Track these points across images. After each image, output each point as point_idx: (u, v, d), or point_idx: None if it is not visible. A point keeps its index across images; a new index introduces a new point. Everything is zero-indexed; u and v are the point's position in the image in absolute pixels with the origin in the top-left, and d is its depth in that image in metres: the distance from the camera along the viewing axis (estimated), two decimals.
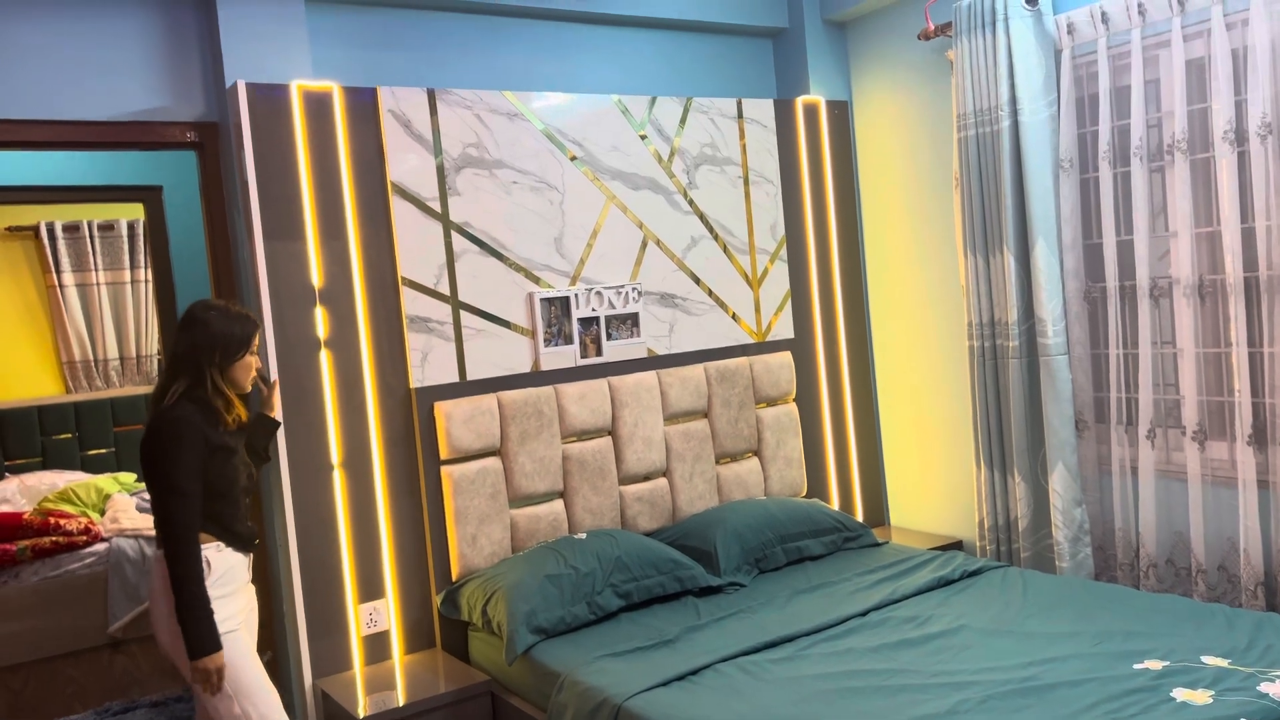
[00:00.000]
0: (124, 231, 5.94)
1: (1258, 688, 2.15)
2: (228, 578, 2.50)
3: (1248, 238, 2.93)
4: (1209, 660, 2.32)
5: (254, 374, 2.59)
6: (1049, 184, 3.32)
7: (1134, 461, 3.26)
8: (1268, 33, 2.79)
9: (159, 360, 6.07)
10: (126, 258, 5.97)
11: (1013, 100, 3.35)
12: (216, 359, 2.49)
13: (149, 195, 4.34)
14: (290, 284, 3.01)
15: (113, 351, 6.01)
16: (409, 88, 3.21)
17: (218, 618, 2.43)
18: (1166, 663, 2.33)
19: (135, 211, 5.73)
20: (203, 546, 2.44)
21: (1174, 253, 3.09)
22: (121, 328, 6.02)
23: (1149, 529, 3.19)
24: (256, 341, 2.59)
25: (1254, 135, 2.84)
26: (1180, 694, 2.17)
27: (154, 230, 4.28)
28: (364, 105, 3.12)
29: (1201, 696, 2.15)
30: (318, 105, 3.05)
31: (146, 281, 5.94)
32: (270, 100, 2.98)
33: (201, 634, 2.37)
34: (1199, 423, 3.06)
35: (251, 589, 2.66)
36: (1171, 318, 3.15)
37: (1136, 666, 2.33)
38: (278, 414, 2.91)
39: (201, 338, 2.49)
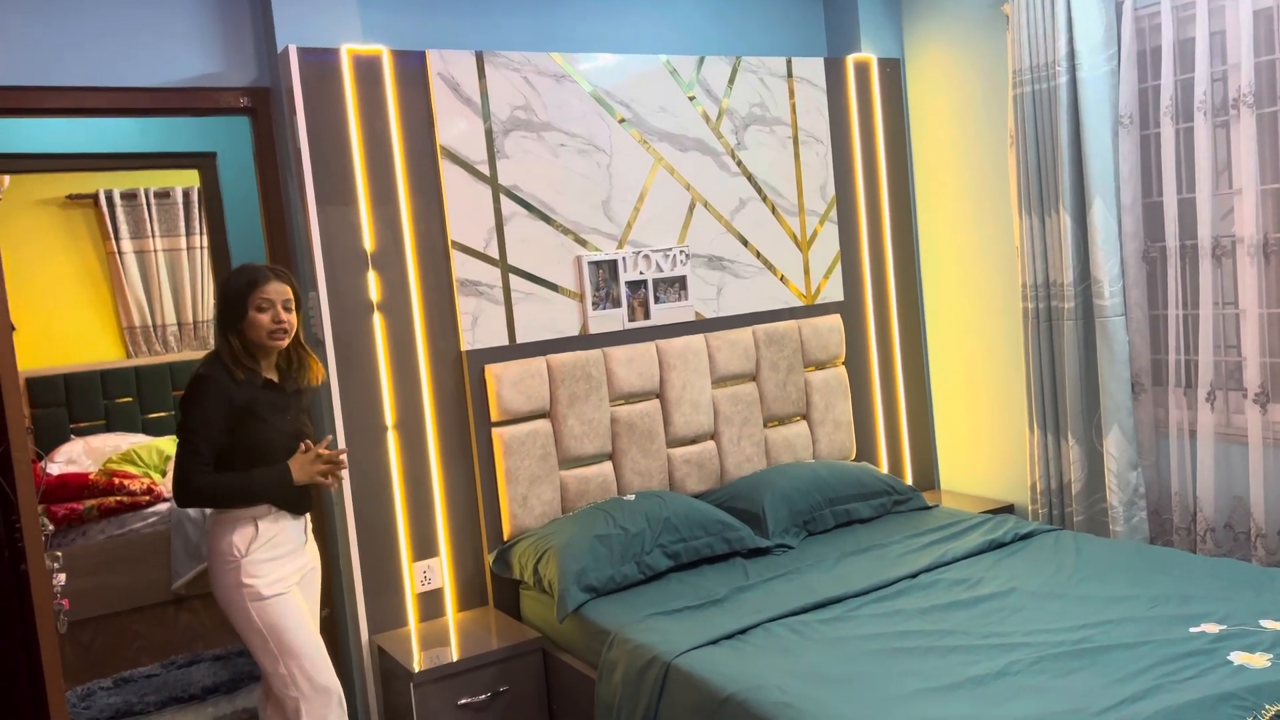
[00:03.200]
0: (179, 199, 6.05)
1: None
2: (278, 540, 2.54)
3: None
4: (1268, 624, 2.29)
5: (270, 328, 2.50)
6: (1107, 141, 3.24)
7: (1192, 424, 3.20)
8: None
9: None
10: (182, 224, 6.10)
11: (1071, 55, 3.26)
12: (227, 318, 2.52)
13: (204, 162, 4.41)
14: (343, 249, 3.05)
15: (170, 317, 6.15)
16: (457, 50, 3.21)
17: (268, 579, 2.49)
18: (1224, 626, 2.30)
19: (190, 179, 5.84)
20: (253, 512, 2.50)
21: (1238, 210, 3.00)
22: (178, 293, 6.16)
23: (1207, 493, 3.13)
24: (264, 294, 2.49)
25: None
26: (1237, 657, 2.14)
27: (209, 197, 4.35)
28: (413, 69, 3.13)
29: (1260, 660, 2.12)
30: (368, 69, 3.06)
31: (202, 248, 6.06)
32: (321, 64, 3.00)
33: (257, 489, 2.47)
34: (1261, 385, 2.99)
35: (312, 550, 2.71)
36: (1234, 278, 3.07)
37: (1193, 630, 2.31)
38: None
39: (219, 301, 2.57)
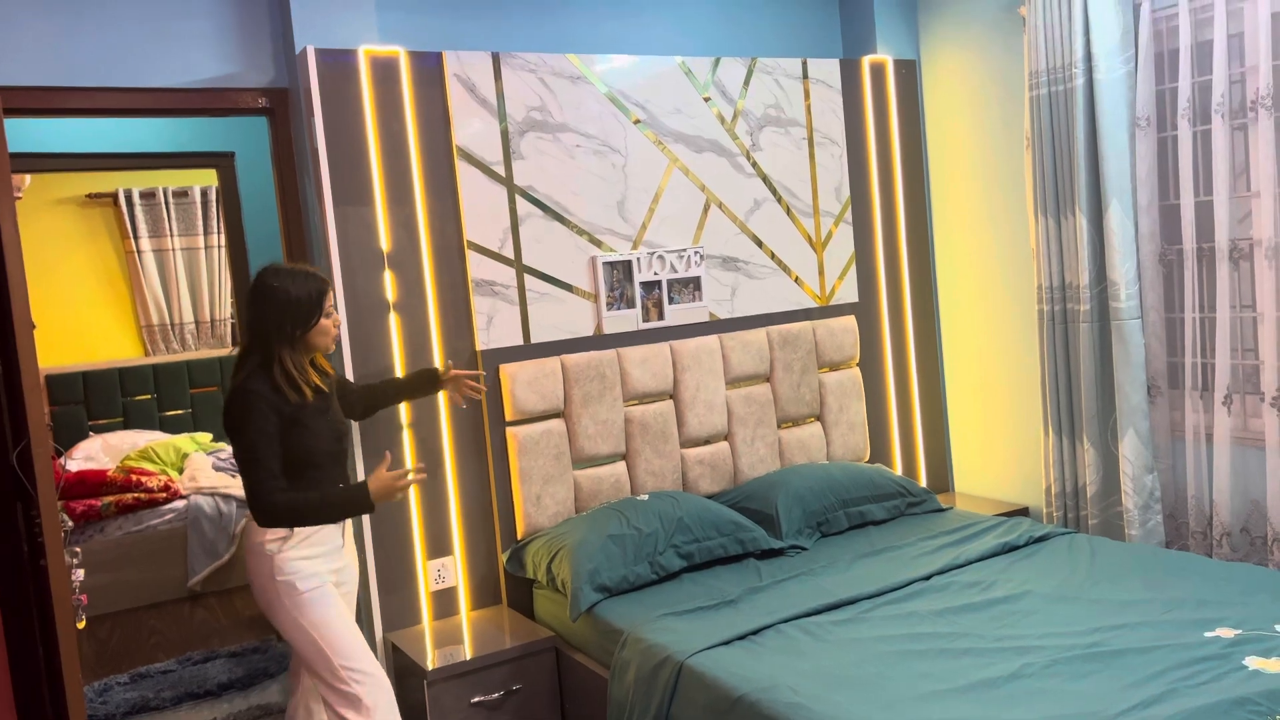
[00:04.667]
0: (198, 198, 6.10)
1: None
2: (317, 539, 2.48)
3: None
4: None
5: (335, 333, 2.54)
6: (1124, 143, 3.23)
7: (1209, 428, 3.18)
8: None
9: (233, 324, 6.25)
10: (200, 223, 6.14)
11: (1088, 57, 3.25)
12: (290, 330, 2.44)
13: (222, 161, 4.45)
14: (360, 248, 3.07)
15: (188, 315, 6.20)
16: (474, 52, 3.23)
17: (304, 574, 2.44)
18: (1239, 631, 2.29)
19: (209, 178, 5.88)
20: None
21: (1256, 213, 2.99)
22: (196, 292, 6.21)
23: (1223, 497, 3.12)
24: (330, 300, 2.51)
25: None
26: (1253, 662, 2.13)
27: (227, 196, 4.39)
28: (430, 70, 3.15)
29: (1275, 665, 2.11)
30: (385, 70, 3.08)
31: (220, 247, 6.11)
32: (339, 65, 3.02)
33: (346, 505, 2.44)
34: (1279, 389, 2.97)
35: (351, 552, 2.65)
36: (1252, 281, 3.06)
37: (1208, 635, 2.30)
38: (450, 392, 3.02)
39: (272, 312, 2.43)
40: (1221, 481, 3.12)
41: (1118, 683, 2.12)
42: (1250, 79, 2.97)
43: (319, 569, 2.49)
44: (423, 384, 3.01)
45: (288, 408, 2.43)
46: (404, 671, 3.00)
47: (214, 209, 6.07)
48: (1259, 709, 1.94)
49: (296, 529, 2.45)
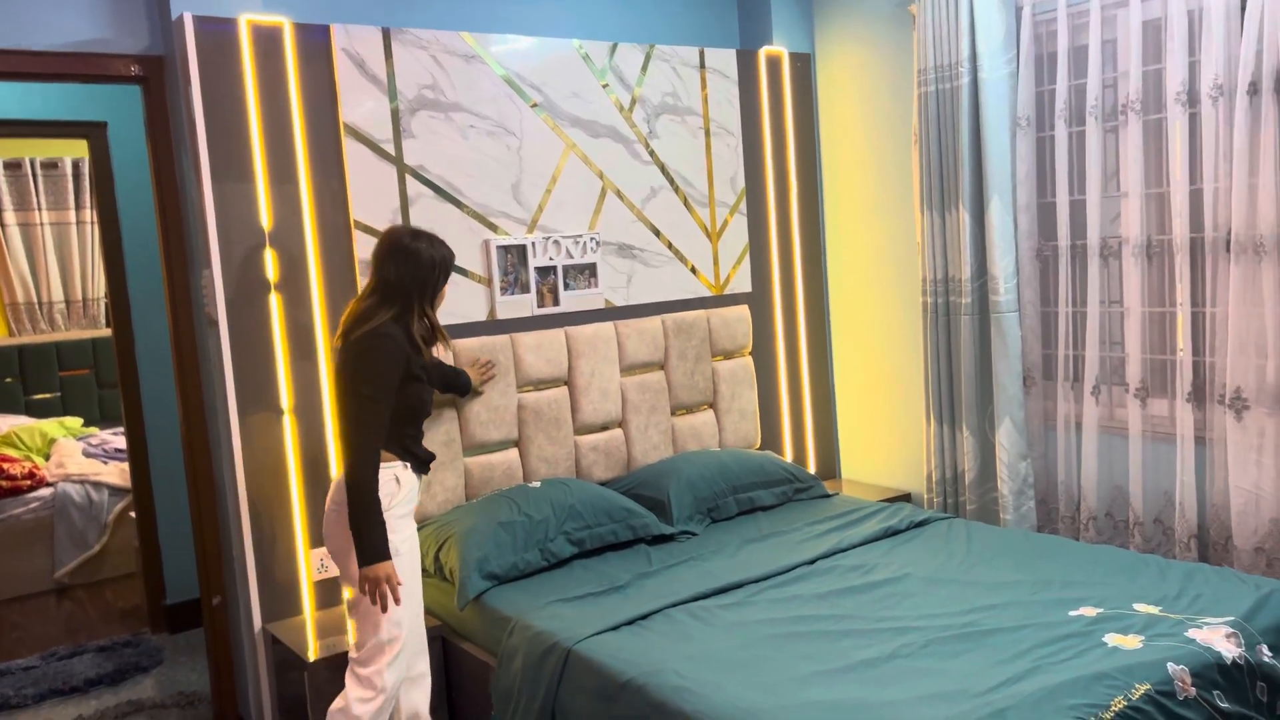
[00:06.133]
0: (68, 170, 5.78)
1: (1185, 633, 2.23)
2: (410, 497, 2.57)
3: (1195, 199, 2.98)
4: (1141, 608, 2.40)
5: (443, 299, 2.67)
6: (1006, 142, 3.34)
7: (1078, 417, 3.33)
8: None
9: (107, 304, 5.94)
10: (71, 198, 5.83)
11: (973, 57, 3.35)
12: (432, 289, 2.56)
13: (94, 132, 4.20)
14: (239, 226, 2.95)
15: (58, 294, 5.88)
16: (363, 26, 3.13)
17: (400, 535, 2.50)
18: (1101, 610, 2.41)
19: (80, 149, 5.57)
20: (392, 466, 2.51)
21: (1124, 213, 3.13)
22: (67, 270, 5.89)
23: (1090, 483, 3.27)
24: None
25: (1205, 97, 2.87)
26: (1112, 639, 2.24)
27: (99, 169, 4.15)
28: (316, 43, 3.04)
29: (1132, 641, 2.22)
30: (268, 41, 2.97)
31: (92, 223, 5.80)
32: (218, 34, 2.89)
33: (375, 541, 2.41)
34: (1142, 380, 3.13)
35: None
36: (1120, 277, 3.21)
37: (1072, 614, 2.40)
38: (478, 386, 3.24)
39: (416, 269, 2.52)
40: (1089, 468, 3.27)
41: (988, 660, 2.20)
42: (1122, 84, 3.11)
43: (412, 529, 2.58)
44: (460, 384, 3.18)
45: (415, 360, 2.53)
46: (284, 664, 2.91)
47: (85, 182, 5.75)
48: (1115, 683, 2.04)
49: (402, 485, 2.52)
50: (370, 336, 2.45)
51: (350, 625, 2.62)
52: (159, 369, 4.02)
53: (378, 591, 2.41)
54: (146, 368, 4.14)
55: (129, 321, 4.13)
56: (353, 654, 2.52)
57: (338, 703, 2.50)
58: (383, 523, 2.42)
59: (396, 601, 2.44)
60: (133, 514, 4.32)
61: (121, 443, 5.00)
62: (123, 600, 4.58)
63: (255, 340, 2.98)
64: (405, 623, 2.52)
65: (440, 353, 3.14)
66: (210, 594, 3.18)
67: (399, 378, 2.47)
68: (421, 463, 2.64)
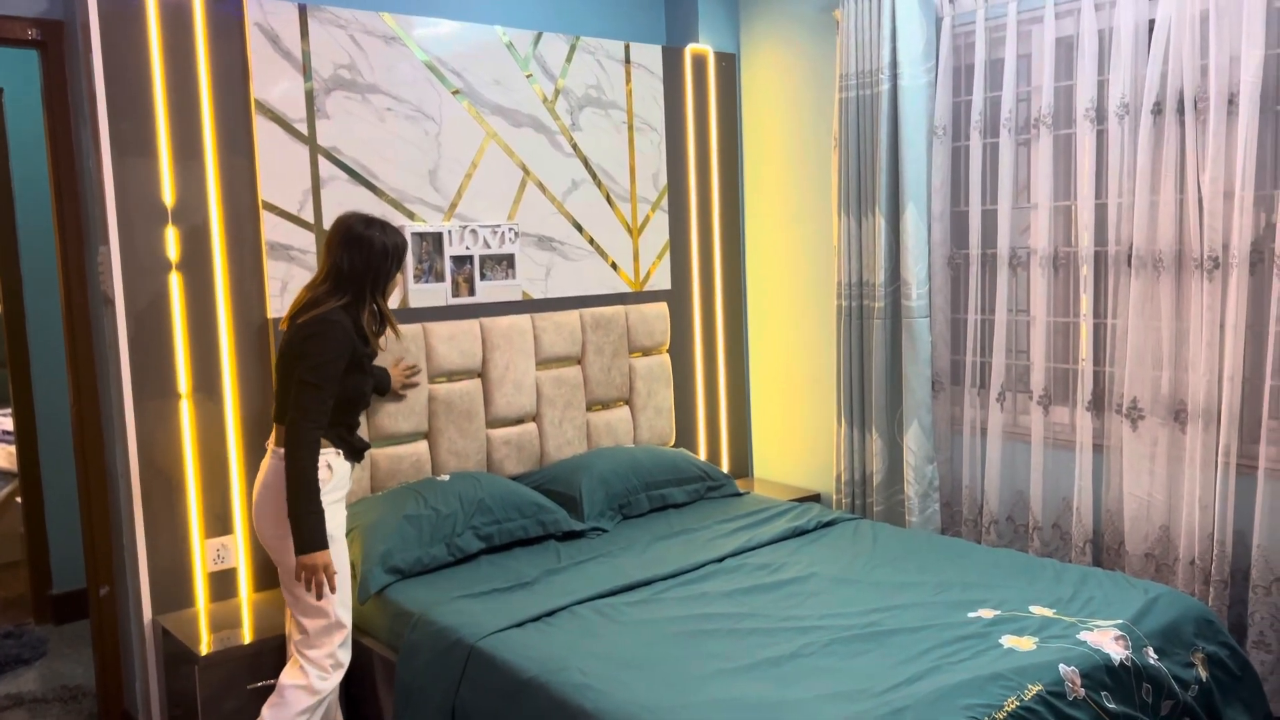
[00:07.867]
0: None
1: (1077, 635, 2.29)
2: (341, 483, 2.55)
3: (1100, 214, 3.07)
4: (1036, 610, 2.46)
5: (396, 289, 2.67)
6: (922, 150, 3.39)
7: (984, 423, 3.40)
8: (1132, 15, 2.90)
9: None
10: None
11: (893, 64, 3.40)
12: (384, 277, 2.54)
13: None
14: (140, 202, 2.83)
15: None
16: (279, 1, 3.03)
17: (334, 522, 2.48)
18: (998, 612, 2.46)
19: None
20: (326, 453, 2.49)
21: (1034, 224, 3.21)
22: None
23: (993, 487, 3.35)
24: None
25: (1113, 115, 2.96)
26: (1007, 641, 2.29)
27: None
28: (228, 16, 2.93)
29: (1026, 643, 2.27)
30: (175, 10, 2.85)
31: None
32: (122, 1, 2.76)
33: (313, 530, 2.38)
34: (1045, 388, 3.21)
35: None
36: (1028, 287, 3.29)
37: (970, 615, 2.45)
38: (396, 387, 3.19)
39: (369, 257, 2.49)
40: (992, 473, 3.35)
41: (888, 660, 2.23)
42: (1035, 98, 3.18)
43: (342, 518, 2.56)
44: (380, 382, 3.09)
45: (361, 351, 2.51)
46: (174, 657, 2.80)
47: None
48: (1009, 684, 2.08)
49: (335, 471, 2.50)
50: (317, 322, 2.43)
51: (289, 610, 2.57)
52: (50, 348, 3.84)
53: (314, 580, 2.39)
54: (37, 347, 3.96)
55: (20, 298, 3.94)
56: (295, 636, 2.51)
57: (295, 679, 2.49)
58: (321, 512, 2.41)
59: (332, 590, 2.43)
60: (19, 499, 4.12)
61: (9, 424, 4.76)
62: (5, 589, 4.36)
63: (153, 321, 2.86)
64: (348, 604, 2.55)
65: (390, 343, 3.12)
66: (98, 583, 3.04)
67: (343, 364, 2.45)
68: (356, 451, 2.62)
